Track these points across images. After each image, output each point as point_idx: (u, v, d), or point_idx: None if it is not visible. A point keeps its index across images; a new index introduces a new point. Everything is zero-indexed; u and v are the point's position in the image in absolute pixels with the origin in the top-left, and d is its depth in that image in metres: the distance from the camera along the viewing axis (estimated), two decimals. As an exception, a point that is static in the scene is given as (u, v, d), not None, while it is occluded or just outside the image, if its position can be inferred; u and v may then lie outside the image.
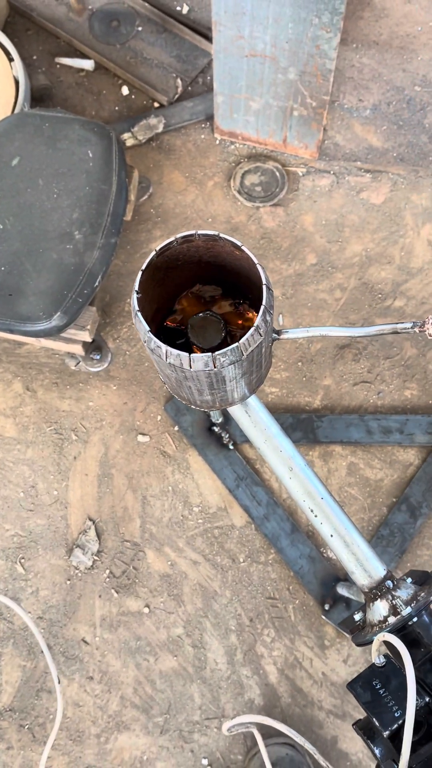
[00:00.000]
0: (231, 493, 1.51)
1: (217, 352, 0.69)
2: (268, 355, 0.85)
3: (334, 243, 1.69)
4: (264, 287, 0.72)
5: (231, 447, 1.54)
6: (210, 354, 0.70)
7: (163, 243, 0.75)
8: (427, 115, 1.78)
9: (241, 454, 1.54)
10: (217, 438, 1.54)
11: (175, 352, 0.70)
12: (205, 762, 1.36)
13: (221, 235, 0.74)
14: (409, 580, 0.94)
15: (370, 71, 1.83)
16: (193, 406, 0.90)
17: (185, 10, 1.94)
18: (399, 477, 1.52)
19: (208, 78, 1.83)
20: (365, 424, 1.54)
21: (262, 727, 1.14)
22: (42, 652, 1.43)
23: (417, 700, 0.74)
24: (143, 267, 0.73)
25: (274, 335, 0.83)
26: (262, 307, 0.71)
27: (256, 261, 0.72)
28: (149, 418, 1.58)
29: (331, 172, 1.75)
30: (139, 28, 1.88)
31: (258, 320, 0.70)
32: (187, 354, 0.70)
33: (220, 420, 1.53)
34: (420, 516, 1.47)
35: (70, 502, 1.53)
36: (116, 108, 1.85)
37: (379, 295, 1.64)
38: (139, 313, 0.72)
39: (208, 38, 1.85)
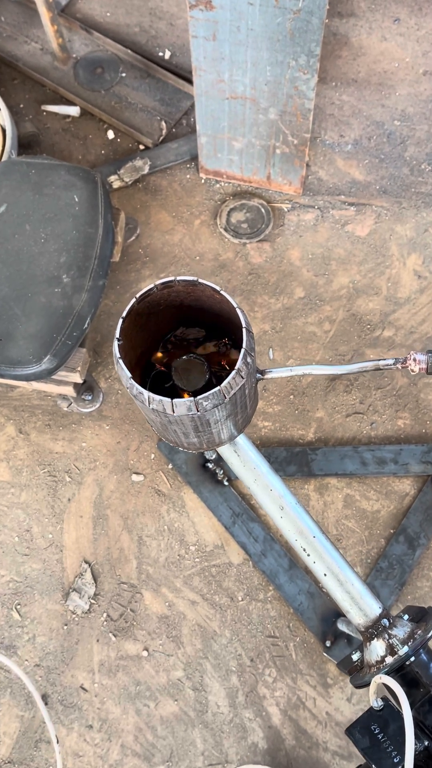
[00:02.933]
0: (227, 530, 1.50)
1: (199, 397, 0.70)
2: (254, 395, 0.85)
3: (321, 276, 1.70)
4: (244, 330, 0.72)
5: (226, 483, 1.53)
6: (192, 399, 0.70)
7: (143, 290, 0.75)
8: (408, 148, 1.81)
9: (236, 490, 1.53)
10: (212, 474, 1.54)
11: (158, 397, 0.71)
12: None
13: (200, 280, 0.74)
14: (406, 617, 0.92)
15: (350, 108, 1.87)
16: (180, 448, 0.90)
17: (167, 55, 1.99)
18: (395, 508, 1.51)
19: (192, 119, 1.87)
20: (359, 456, 1.54)
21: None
22: (44, 700, 1.40)
23: (416, 744, 0.73)
24: (123, 314, 0.74)
25: (258, 375, 0.83)
26: (243, 351, 0.71)
27: (235, 305, 0.72)
28: (143, 457, 1.58)
29: (316, 207, 1.77)
30: (123, 74, 1.93)
31: (239, 363, 0.71)
32: (169, 399, 0.70)
33: (214, 456, 1.52)
34: (418, 547, 1.46)
35: (66, 545, 1.51)
36: (102, 152, 1.88)
37: (368, 326, 1.65)
38: (120, 360, 0.72)
39: (191, 81, 1.89)
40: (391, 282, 1.69)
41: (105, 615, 1.46)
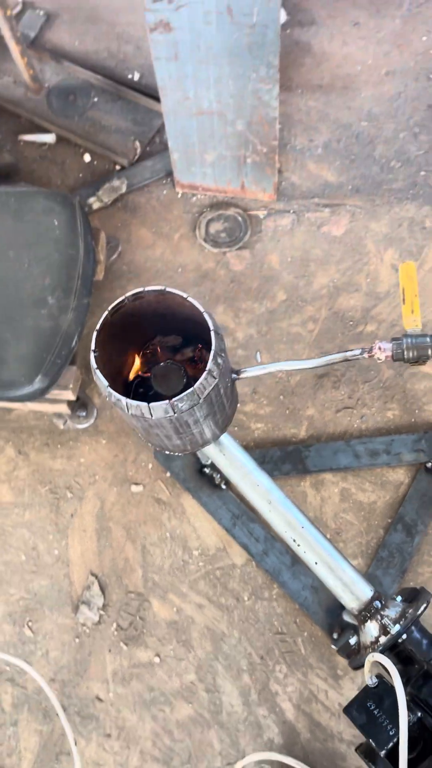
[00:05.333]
0: (228, 533, 1.52)
1: (174, 399, 0.73)
2: (231, 395, 0.88)
3: (302, 278, 1.74)
4: (212, 333, 0.76)
5: (224, 487, 1.56)
6: (167, 401, 0.73)
7: (115, 302, 0.79)
8: (376, 147, 1.86)
9: (234, 493, 1.56)
10: (209, 479, 1.57)
11: (135, 403, 0.74)
12: (231, 809, 1.35)
13: (168, 288, 0.78)
14: (399, 598, 0.95)
15: (317, 113, 1.92)
16: (167, 452, 0.93)
17: (137, 77, 2.05)
18: (391, 497, 1.53)
19: (164, 137, 1.92)
20: (352, 449, 1.57)
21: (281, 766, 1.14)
22: (57, 714, 1.43)
23: (409, 716, 0.75)
24: (98, 327, 0.78)
25: (234, 376, 0.87)
26: (212, 352, 0.75)
27: (202, 309, 0.76)
28: (141, 468, 1.61)
29: (291, 211, 1.82)
30: (95, 99, 1.98)
31: (209, 365, 0.74)
32: (146, 404, 0.74)
33: (210, 461, 1.55)
34: (417, 534, 1.48)
35: (72, 559, 1.55)
36: (80, 175, 1.93)
37: (351, 323, 1.69)
38: (97, 371, 0.76)
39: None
40: (370, 278, 1.72)
41: (115, 625, 1.49)
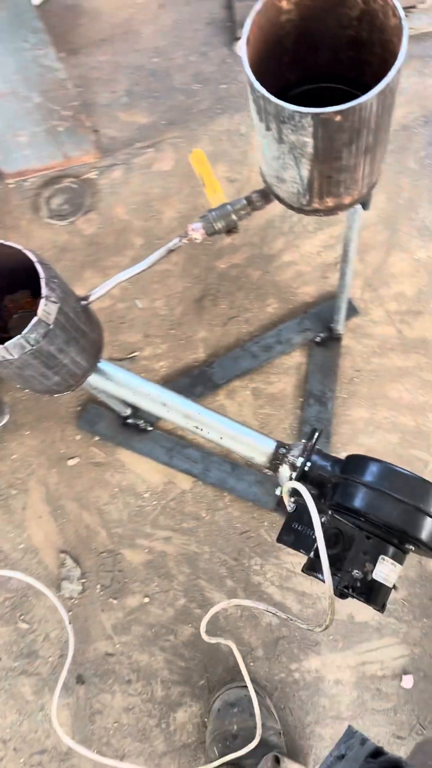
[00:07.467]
0: (169, 466, 1.62)
1: (24, 330, 0.81)
2: (89, 321, 0.96)
3: (151, 219, 1.82)
4: (36, 264, 0.83)
5: (150, 429, 1.65)
6: (20, 335, 0.81)
7: None
8: (174, 78, 1.94)
9: (161, 430, 1.65)
10: (135, 427, 1.65)
11: (-9, 348, 0.81)
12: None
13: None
14: (301, 441, 1.07)
15: (110, 65, 1.98)
16: (58, 394, 1.01)
17: None
18: (296, 379, 1.66)
19: (-23, 136, 1.95)
20: (249, 352, 1.68)
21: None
22: (78, 683, 1.51)
23: (322, 517, 0.87)
24: None
25: (83, 302, 0.95)
26: (42, 280, 0.83)
27: (12, 244, 0.83)
28: (70, 442, 1.68)
29: (120, 163, 1.88)
30: None
31: (43, 291, 0.82)
32: (2, 345, 0.81)
33: (129, 411, 1.64)
34: (328, 401, 1.61)
35: (38, 546, 1.61)
36: None
37: (209, 243, 1.78)
38: None
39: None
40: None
41: (99, 586, 1.57)
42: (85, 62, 1.98)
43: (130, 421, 1.65)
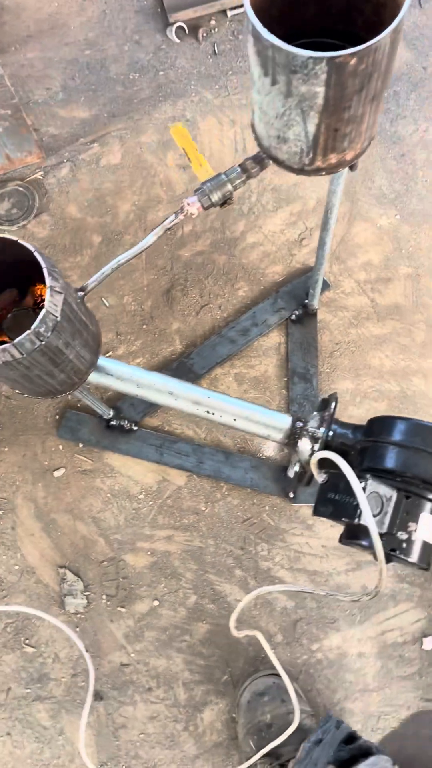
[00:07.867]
0: (160, 464, 1.57)
1: (33, 326, 0.75)
2: (87, 313, 0.91)
3: (106, 214, 1.77)
4: (35, 254, 0.78)
5: (135, 428, 1.60)
6: (29, 330, 0.75)
7: None
8: (110, 69, 1.89)
9: (147, 428, 1.60)
10: (120, 429, 1.60)
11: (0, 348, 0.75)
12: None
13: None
14: (315, 413, 1.05)
15: (40, 61, 1.91)
16: (59, 396, 0.95)
17: None
18: (278, 359, 1.64)
19: None
20: (226, 338, 1.65)
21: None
22: (96, 700, 1.44)
23: (361, 482, 0.85)
24: None
25: (80, 293, 0.90)
26: (45, 270, 0.77)
27: (8, 236, 0.78)
28: (53, 453, 1.61)
29: (66, 160, 1.82)
30: None
31: (48, 281, 0.77)
32: (10, 343, 0.75)
33: (112, 413, 1.58)
34: (312, 377, 1.60)
35: (34, 565, 1.54)
36: None
37: (169, 232, 1.74)
38: None
39: None
40: (165, 186, 1.78)
41: (104, 597, 1.51)
42: (14, 60, 1.90)
43: (113, 423, 1.60)
